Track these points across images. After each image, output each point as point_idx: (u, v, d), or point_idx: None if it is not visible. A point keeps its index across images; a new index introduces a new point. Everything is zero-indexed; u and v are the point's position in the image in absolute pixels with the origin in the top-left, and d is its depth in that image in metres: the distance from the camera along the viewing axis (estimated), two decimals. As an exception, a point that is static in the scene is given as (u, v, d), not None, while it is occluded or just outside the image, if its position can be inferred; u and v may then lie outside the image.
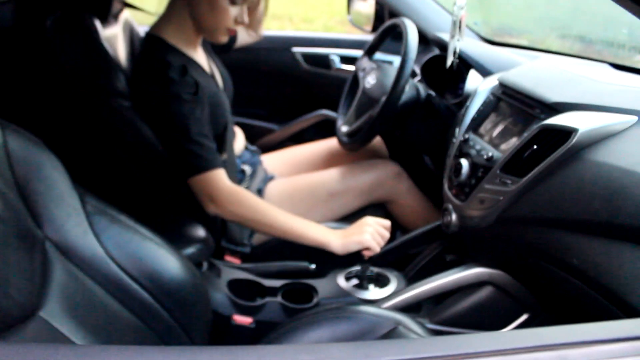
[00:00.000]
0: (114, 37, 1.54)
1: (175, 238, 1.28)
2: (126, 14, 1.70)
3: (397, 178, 1.66)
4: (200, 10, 1.37)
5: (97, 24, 1.43)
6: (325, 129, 2.09)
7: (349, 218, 1.63)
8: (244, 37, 1.80)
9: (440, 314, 1.31)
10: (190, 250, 1.30)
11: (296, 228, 1.33)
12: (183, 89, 1.32)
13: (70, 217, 0.93)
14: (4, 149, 0.87)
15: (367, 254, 1.32)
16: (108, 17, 1.51)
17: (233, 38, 1.76)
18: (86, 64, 1.37)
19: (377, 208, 1.68)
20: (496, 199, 1.14)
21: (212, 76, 1.53)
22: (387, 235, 1.34)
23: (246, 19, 1.41)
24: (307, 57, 2.21)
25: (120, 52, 1.55)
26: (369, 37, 1.99)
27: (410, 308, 1.32)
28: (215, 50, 1.67)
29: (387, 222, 1.35)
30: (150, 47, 1.39)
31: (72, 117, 1.40)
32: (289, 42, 2.22)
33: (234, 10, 1.36)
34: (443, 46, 1.71)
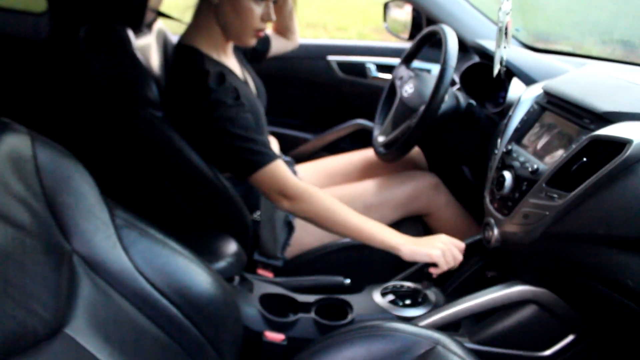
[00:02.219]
0: (147, 47, 1.54)
1: (206, 251, 1.26)
2: (160, 24, 1.70)
3: (435, 190, 1.62)
4: (225, 14, 1.36)
5: (130, 34, 1.43)
6: (361, 139, 2.05)
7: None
8: (277, 46, 1.78)
9: (481, 333, 1.26)
10: (222, 264, 1.28)
11: (368, 229, 1.29)
12: (225, 95, 1.31)
13: (99, 231, 0.91)
14: (33, 161, 0.86)
15: (433, 271, 1.28)
16: (141, 27, 1.50)
17: (266, 46, 1.74)
18: (118, 74, 1.36)
19: (415, 221, 1.63)
20: (542, 214, 1.09)
21: (247, 84, 1.50)
22: (460, 257, 1.28)
23: (273, 16, 1.38)
24: (343, 65, 2.18)
25: (154, 61, 1.54)
26: (406, 45, 1.95)
27: (449, 326, 1.27)
28: (249, 59, 1.65)
29: (462, 244, 1.30)
30: (184, 58, 1.38)
31: (103, 128, 1.40)
32: (324, 51, 2.19)
33: (258, 9, 1.34)
34: (483, 53, 1.66)
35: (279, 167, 1.31)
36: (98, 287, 0.89)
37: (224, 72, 1.34)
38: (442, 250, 1.25)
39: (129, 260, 0.92)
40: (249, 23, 1.36)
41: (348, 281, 1.42)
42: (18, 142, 0.85)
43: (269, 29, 1.80)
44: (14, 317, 0.74)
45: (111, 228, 0.93)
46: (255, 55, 1.69)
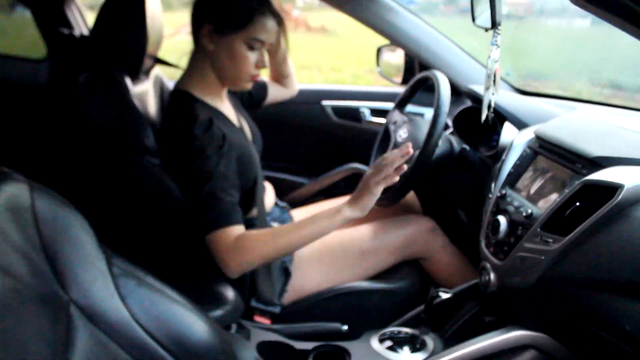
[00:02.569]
0: (144, 93, 1.56)
1: (204, 299, 1.26)
2: (156, 70, 1.72)
3: (432, 234, 1.62)
4: (220, 60, 1.39)
5: (128, 81, 1.45)
6: (356, 183, 2.06)
7: (383, 275, 1.58)
8: (275, 94, 1.80)
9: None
10: (219, 311, 1.27)
11: (315, 232, 1.30)
12: (208, 144, 1.32)
13: (97, 280, 0.91)
14: (31, 210, 0.86)
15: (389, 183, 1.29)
16: (139, 74, 1.53)
17: (263, 94, 1.77)
18: (116, 121, 1.37)
19: (411, 265, 1.63)
20: (537, 258, 1.09)
21: (241, 129, 1.52)
22: (389, 170, 1.26)
23: (267, 62, 1.42)
24: (337, 110, 2.21)
25: (151, 107, 1.56)
26: (399, 89, 1.98)
27: None
28: (245, 106, 1.67)
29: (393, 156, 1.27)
30: (177, 102, 1.40)
31: (101, 175, 1.41)
32: (319, 96, 2.22)
33: (252, 56, 1.38)
34: (475, 98, 1.68)
35: (233, 230, 1.30)
36: (95, 337, 0.88)
37: (213, 118, 1.36)
38: (376, 181, 1.27)
39: (126, 309, 0.92)
40: (244, 69, 1.39)
41: (345, 327, 1.41)
42: (17, 192, 0.86)
43: (266, 77, 1.83)
44: (11, 370, 0.74)
45: (108, 277, 0.93)
46: (252, 102, 1.71)
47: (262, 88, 1.78)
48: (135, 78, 1.51)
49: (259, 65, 1.40)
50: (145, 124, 1.40)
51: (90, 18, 2.22)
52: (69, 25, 2.10)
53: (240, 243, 1.29)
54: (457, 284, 1.48)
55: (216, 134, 1.34)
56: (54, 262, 0.87)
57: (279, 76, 1.82)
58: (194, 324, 0.98)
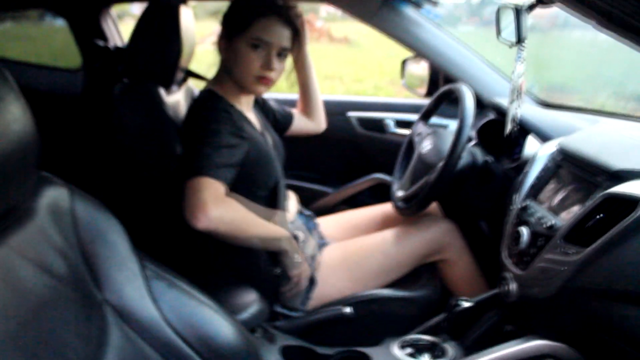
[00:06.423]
0: (176, 103, 1.60)
1: (229, 303, 1.29)
2: (188, 81, 1.77)
3: (451, 234, 1.64)
4: (230, 63, 1.44)
5: (162, 92, 1.49)
6: (379, 193, 2.08)
7: (404, 283, 1.60)
8: (300, 125, 1.84)
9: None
10: (245, 315, 1.30)
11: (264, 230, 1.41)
12: (224, 127, 1.35)
13: (130, 282, 0.95)
14: (70, 213, 0.90)
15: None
16: (172, 85, 1.57)
17: (288, 122, 1.81)
18: (150, 130, 1.42)
19: (432, 273, 1.64)
20: (558, 269, 1.10)
21: (262, 135, 1.56)
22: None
23: (276, 65, 1.43)
24: (362, 121, 2.24)
25: (182, 117, 1.60)
26: (423, 102, 2.00)
27: None
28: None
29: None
30: (202, 99, 1.46)
31: (134, 180, 1.45)
32: (344, 107, 2.25)
33: (256, 56, 1.41)
34: (499, 110, 1.70)
35: (218, 184, 1.31)
36: (127, 336, 0.91)
37: (234, 112, 1.42)
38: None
39: (157, 310, 0.95)
40: (248, 69, 1.42)
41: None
42: (58, 195, 0.90)
43: (295, 109, 1.86)
44: (52, 364, 0.77)
45: (141, 279, 0.96)
46: (276, 128, 1.74)
47: (288, 116, 1.81)
48: (168, 89, 1.56)
49: (265, 66, 1.41)
50: (177, 132, 1.44)
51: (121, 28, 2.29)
52: (104, 38, 2.17)
53: (226, 199, 1.32)
54: (472, 291, 1.49)
55: (236, 121, 1.39)
56: (90, 263, 0.91)
57: (307, 107, 1.85)
58: (221, 326, 1.00)
